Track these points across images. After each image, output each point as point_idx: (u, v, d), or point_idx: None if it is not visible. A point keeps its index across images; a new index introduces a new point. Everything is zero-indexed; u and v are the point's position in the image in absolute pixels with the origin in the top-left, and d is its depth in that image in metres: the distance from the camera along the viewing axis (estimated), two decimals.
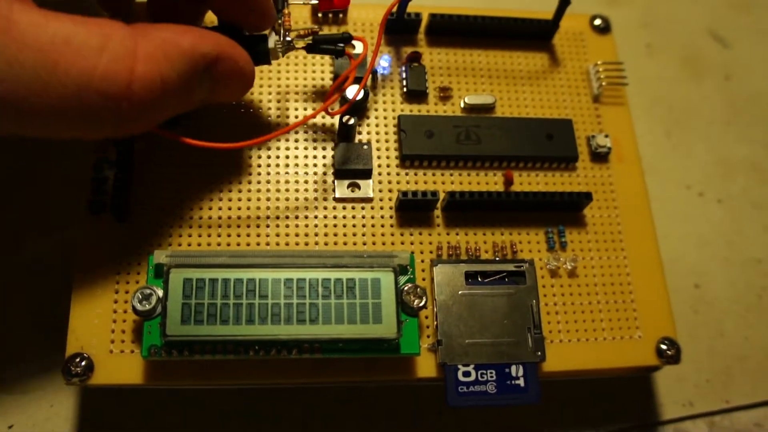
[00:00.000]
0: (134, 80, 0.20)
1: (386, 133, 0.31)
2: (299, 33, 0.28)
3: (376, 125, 0.31)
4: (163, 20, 0.24)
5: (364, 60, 0.30)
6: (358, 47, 0.32)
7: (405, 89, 0.32)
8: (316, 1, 0.32)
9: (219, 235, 0.28)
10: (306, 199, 0.29)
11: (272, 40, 0.27)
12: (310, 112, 0.31)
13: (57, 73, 0.19)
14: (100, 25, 0.20)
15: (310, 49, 0.28)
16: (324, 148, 0.30)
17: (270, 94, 0.31)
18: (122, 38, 0.21)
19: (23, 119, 0.20)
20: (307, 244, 0.29)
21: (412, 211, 0.30)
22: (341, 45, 0.28)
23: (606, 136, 0.33)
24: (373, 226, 0.29)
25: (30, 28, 0.19)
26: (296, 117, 0.31)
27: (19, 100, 0.19)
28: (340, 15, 0.33)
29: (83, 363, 0.26)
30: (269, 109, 0.31)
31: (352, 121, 0.30)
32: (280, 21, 0.27)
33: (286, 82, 0.31)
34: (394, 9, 0.31)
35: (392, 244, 0.29)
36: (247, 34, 0.27)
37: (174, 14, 0.27)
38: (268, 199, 0.29)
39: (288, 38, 0.28)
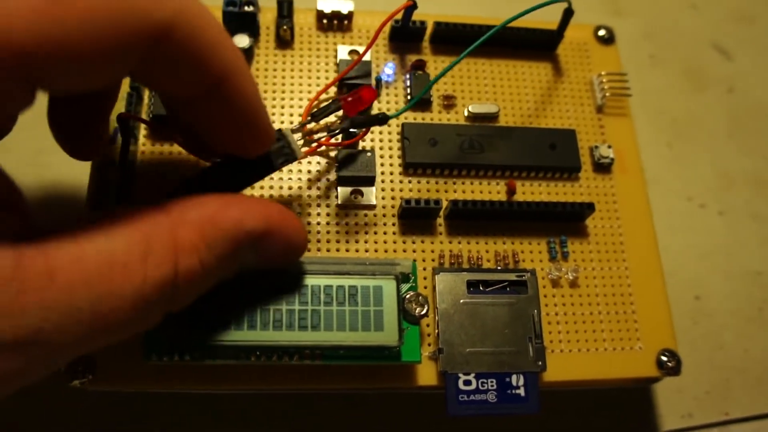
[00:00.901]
0: (179, 277, 0.19)
1: (390, 141, 0.31)
2: (325, 127, 0.27)
3: (380, 132, 0.31)
4: (66, 125, 0.24)
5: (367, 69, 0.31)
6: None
7: (409, 97, 0.32)
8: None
9: None
10: (309, 205, 0.29)
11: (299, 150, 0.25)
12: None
13: (110, 299, 0.18)
14: (137, 224, 0.19)
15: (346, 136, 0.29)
16: (327, 155, 0.30)
17: (275, 99, 0.31)
18: (161, 236, 0.19)
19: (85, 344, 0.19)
20: (309, 250, 0.29)
21: (415, 219, 0.30)
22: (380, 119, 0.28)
23: (609, 146, 0.33)
24: (375, 233, 0.29)
25: (72, 267, 0.17)
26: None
27: (81, 338, 0.18)
28: (345, 22, 0.33)
29: (85, 365, 0.26)
30: (273, 115, 0.31)
31: (354, 129, 0.30)
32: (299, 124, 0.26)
33: (291, 88, 0.32)
34: (398, 16, 0.31)
35: (394, 251, 0.29)
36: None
37: (77, 119, 0.25)
38: None
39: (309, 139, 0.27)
